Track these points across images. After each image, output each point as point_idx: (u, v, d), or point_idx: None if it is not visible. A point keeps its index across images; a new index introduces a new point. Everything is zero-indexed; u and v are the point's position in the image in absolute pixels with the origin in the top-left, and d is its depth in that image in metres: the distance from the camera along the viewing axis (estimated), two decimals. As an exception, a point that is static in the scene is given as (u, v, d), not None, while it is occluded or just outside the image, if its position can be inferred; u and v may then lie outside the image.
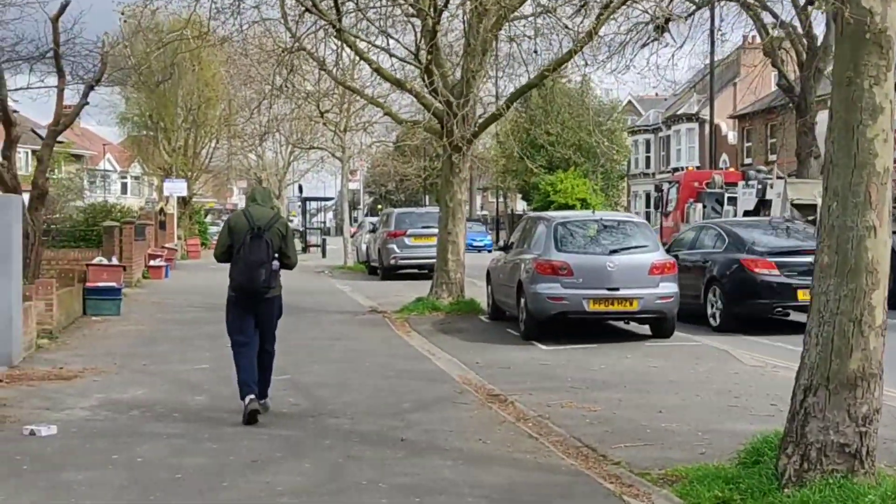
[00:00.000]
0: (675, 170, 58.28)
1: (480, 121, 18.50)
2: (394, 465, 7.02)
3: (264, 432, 8.04)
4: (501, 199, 72.79)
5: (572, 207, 56.54)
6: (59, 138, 35.49)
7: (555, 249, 13.64)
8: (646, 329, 14.40)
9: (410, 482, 6.56)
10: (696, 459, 6.98)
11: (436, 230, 27.92)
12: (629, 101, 67.22)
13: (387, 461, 7.12)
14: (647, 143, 65.44)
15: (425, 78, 16.26)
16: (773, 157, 46.54)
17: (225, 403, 9.30)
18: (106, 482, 6.58)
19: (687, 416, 8.61)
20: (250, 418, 8.28)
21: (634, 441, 7.71)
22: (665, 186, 32.43)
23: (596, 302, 13.29)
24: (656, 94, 43.56)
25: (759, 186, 26.15)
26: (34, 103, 50.38)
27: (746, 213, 26.46)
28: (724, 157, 52.98)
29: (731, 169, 38.84)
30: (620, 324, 14.86)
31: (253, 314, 8.67)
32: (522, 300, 13.86)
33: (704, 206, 28.71)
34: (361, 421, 8.52)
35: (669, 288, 13.58)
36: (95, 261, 18.80)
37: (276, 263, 8.57)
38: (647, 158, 65.34)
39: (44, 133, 58.08)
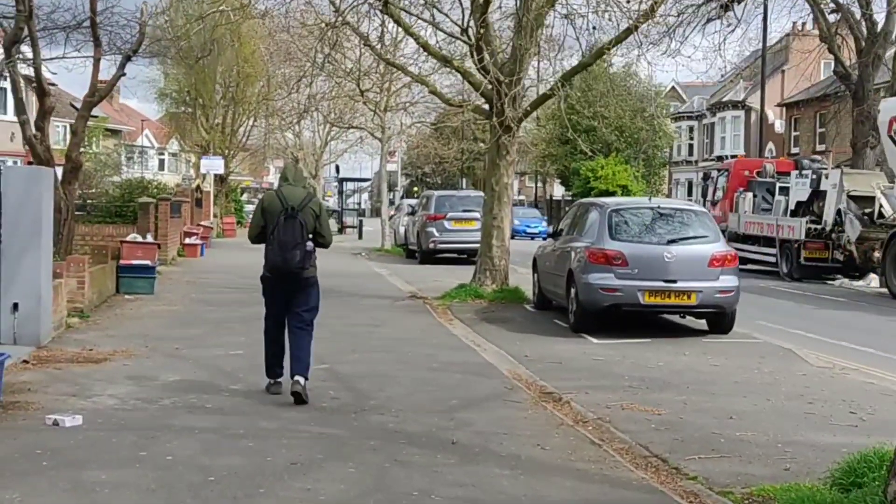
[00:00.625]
0: (720, 158, 57.14)
1: (524, 102, 17.75)
2: (446, 472, 6.37)
3: (304, 430, 7.43)
4: (540, 185, 71.94)
5: (613, 194, 55.63)
6: (97, 112, 34.83)
7: (609, 237, 12.91)
8: (701, 324, 13.68)
9: (466, 495, 5.91)
10: (781, 477, 6.29)
11: (476, 214, 27.39)
12: (672, 87, 65.96)
13: (438, 468, 6.48)
14: (691, 129, 64.21)
15: (474, 55, 15.52)
16: (821, 147, 45.42)
17: (262, 395, 8.73)
18: (131, 483, 5.99)
19: (762, 424, 7.90)
20: (269, 391, 8.72)
21: (708, 452, 7.01)
22: (713, 174, 31.48)
23: (652, 294, 12.55)
24: (722, 76, 42.27)
25: (814, 177, 25.19)
26: (69, 74, 49.95)
27: (799, 205, 25.55)
28: (770, 145, 51.80)
29: (784, 158, 37.71)
30: (675, 317, 14.15)
31: (288, 294, 8.58)
32: (573, 290, 13.17)
33: (755, 196, 27.81)
34: (407, 419, 7.89)
35: (730, 281, 12.81)
36: (129, 237, 18.31)
37: (310, 244, 8.45)
38: (690, 146, 64.13)
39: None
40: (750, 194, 27.90)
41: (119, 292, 17.06)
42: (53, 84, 44.49)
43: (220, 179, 46.20)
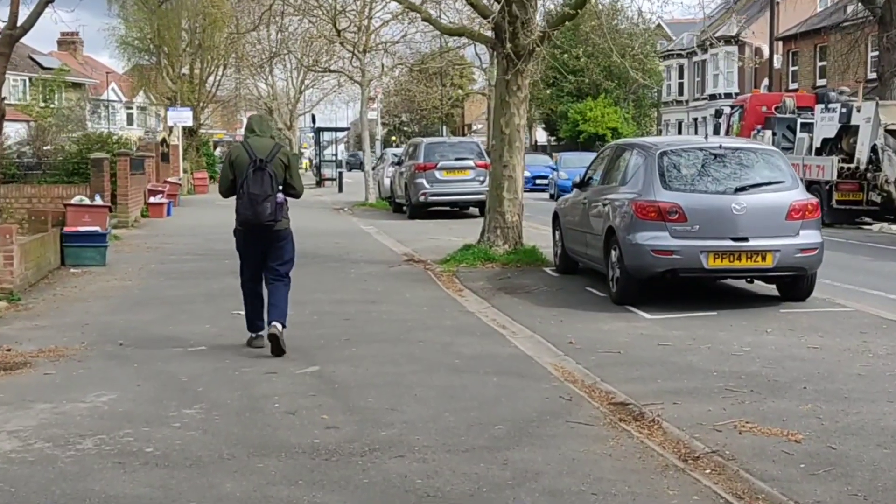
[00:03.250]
0: (712, 97, 54.61)
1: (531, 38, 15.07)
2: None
3: (287, 496, 4.89)
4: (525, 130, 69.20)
5: (603, 137, 53.15)
6: (54, 64, 31.43)
7: (660, 186, 10.35)
8: (768, 287, 11.23)
9: None
10: None
11: (469, 162, 24.84)
12: (658, 25, 63.04)
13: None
14: (681, 68, 61.46)
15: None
16: (822, 82, 43.10)
17: (229, 425, 6.20)
18: None
19: (955, 456, 5.46)
20: (252, 345, 8.56)
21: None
22: (726, 111, 28.91)
23: (718, 256, 10.04)
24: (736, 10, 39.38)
25: (843, 110, 22.66)
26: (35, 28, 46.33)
27: (825, 142, 23.11)
28: (765, 82, 49.31)
29: (804, 91, 35.21)
30: (735, 281, 11.67)
31: (261, 248, 8.46)
32: (614, 253, 10.64)
33: (774, 134, 25.34)
34: (440, 465, 5.38)
35: (813, 237, 10.31)
36: (75, 200, 15.66)
37: (281, 196, 8.29)
38: (680, 85, 61.43)
39: (43, 61, 54.24)
40: (769, 132, 25.42)
41: (64, 265, 14.51)
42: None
43: (190, 132, 43.21)
